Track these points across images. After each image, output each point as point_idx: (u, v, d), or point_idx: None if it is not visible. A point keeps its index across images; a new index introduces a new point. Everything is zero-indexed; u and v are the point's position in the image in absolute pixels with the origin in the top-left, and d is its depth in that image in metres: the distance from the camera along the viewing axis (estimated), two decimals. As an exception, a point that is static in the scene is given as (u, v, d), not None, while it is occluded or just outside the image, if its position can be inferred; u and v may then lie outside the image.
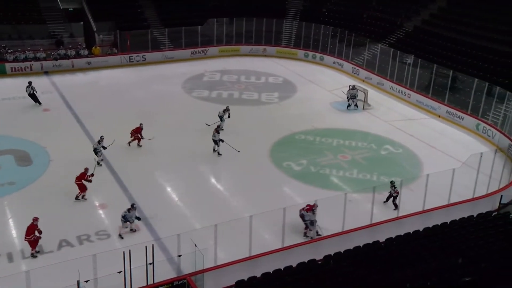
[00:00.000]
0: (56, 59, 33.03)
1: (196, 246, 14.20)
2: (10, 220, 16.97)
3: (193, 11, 39.59)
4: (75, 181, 18.12)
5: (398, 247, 14.99)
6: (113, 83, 31.64)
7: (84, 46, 35.13)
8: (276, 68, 36.05)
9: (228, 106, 25.30)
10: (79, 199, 18.21)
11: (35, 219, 15.31)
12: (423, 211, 17.48)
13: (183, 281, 13.75)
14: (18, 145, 22.01)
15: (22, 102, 27.46)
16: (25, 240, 15.17)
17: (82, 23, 37.13)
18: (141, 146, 22.52)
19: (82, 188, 18.24)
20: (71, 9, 37.41)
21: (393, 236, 15.50)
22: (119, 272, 13.54)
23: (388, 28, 36.44)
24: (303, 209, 16.53)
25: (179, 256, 14.38)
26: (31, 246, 15.18)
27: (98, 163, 20.46)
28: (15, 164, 20.51)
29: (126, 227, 16.46)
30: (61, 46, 34.43)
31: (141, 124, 22.63)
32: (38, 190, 18.89)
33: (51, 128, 24.37)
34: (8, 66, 31.86)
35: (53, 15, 36.17)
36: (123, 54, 35.64)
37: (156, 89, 30.66)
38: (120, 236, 16.37)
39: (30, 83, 27.05)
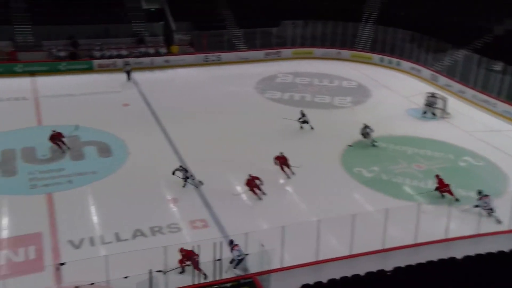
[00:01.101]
0: (137, 56, 34.56)
1: (263, 246, 14.37)
2: (93, 207, 17.96)
3: (268, 13, 39.92)
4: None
5: (478, 267, 14.00)
6: (188, 82, 32.63)
7: (163, 45, 36.50)
8: (350, 72, 35.57)
9: (302, 110, 25.40)
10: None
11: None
12: (509, 231, 16.45)
13: (249, 280, 13.91)
14: (101, 137, 23.24)
15: (105, 96, 29.07)
16: None
17: (162, 22, 38.57)
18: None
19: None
20: (153, 9, 38.97)
21: (473, 254, 14.52)
22: (188, 266, 14.01)
23: (473, 33, 34.49)
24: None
25: (246, 255, 14.59)
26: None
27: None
28: (97, 155, 21.70)
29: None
30: (142, 45, 35.99)
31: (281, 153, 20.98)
32: (117, 180, 19.85)
33: (130, 122, 25.51)
34: (95, 62, 33.77)
35: (136, 15, 37.91)
36: (199, 53, 36.63)
37: (229, 88, 31.24)
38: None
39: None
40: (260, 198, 18.61)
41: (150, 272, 12.93)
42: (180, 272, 14.30)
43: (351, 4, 40.91)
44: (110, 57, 34.29)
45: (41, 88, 29.91)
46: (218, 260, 14.19)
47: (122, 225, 16.67)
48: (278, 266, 14.46)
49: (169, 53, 36.21)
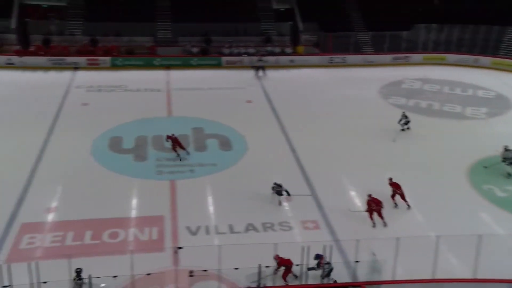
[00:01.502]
0: (263, 55, 35.49)
1: (375, 255, 13.94)
2: (210, 197, 18.83)
3: (400, 15, 38.46)
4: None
5: None
6: (311, 82, 32.66)
7: (289, 44, 37.02)
8: (488, 81, 32.86)
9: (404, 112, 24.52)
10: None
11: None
12: None
13: (357, 287, 13.62)
14: (223, 131, 24.24)
15: (231, 92, 30.24)
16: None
17: (290, 23, 39.11)
18: None
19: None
20: (283, 9, 39.67)
21: None
22: (297, 265, 14.07)
23: None
24: None
25: (357, 262, 14.27)
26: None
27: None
28: (218, 148, 22.68)
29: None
30: (269, 44, 36.87)
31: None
32: (234, 174, 20.55)
33: (251, 118, 26.22)
34: (224, 59, 35.37)
35: (266, 14, 38.91)
36: (324, 54, 36.53)
37: (352, 92, 30.69)
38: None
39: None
40: (373, 225, 17.12)
41: (259, 266, 13.24)
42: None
43: (500, 6, 37.54)
44: (238, 54, 35.64)
45: (173, 81, 32.03)
46: (327, 263, 14.08)
47: (236, 218, 17.23)
48: (390, 278, 13.92)
49: (295, 53, 36.63)
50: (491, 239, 14.43)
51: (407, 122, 24.41)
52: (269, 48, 36.24)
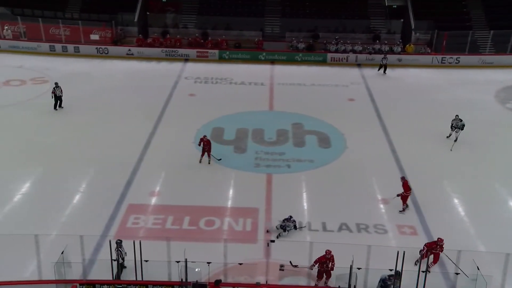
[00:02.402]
0: (370, 53, 34.61)
1: (478, 269, 13.07)
2: (305, 193, 18.86)
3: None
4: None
5: None
6: (419, 83, 31.23)
7: (399, 43, 35.70)
8: None
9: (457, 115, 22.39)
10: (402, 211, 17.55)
11: None
12: None
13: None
14: (323, 128, 24.09)
15: (333, 89, 29.95)
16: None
17: (402, 20, 37.68)
18: None
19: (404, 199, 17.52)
20: (395, 6, 38.33)
21: None
22: (390, 270, 13.61)
23: None
24: None
25: (457, 274, 13.49)
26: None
27: None
28: (316, 145, 22.58)
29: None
30: (377, 41, 35.86)
31: None
32: (331, 172, 20.35)
33: (352, 117, 25.74)
34: (329, 56, 35.09)
35: (377, 11, 37.86)
36: (436, 54, 34.72)
37: (463, 95, 28.85)
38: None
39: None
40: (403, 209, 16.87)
41: (351, 267, 13.02)
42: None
43: None
44: (344, 51, 35.09)
45: (277, 76, 32.39)
46: (424, 272, 13.45)
47: (329, 216, 17.09)
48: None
49: (404, 52, 35.23)
50: None
51: (459, 128, 22.17)
52: (376, 46, 35.21)
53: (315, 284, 14.02)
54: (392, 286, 13.22)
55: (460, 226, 16.91)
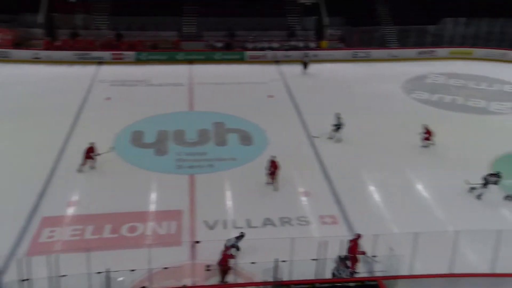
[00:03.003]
0: (286, 50, 35.42)
1: (392, 250, 13.83)
2: (229, 192, 18.91)
3: (426, 9, 37.76)
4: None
5: None
6: (334, 77, 32.52)
7: (313, 39, 36.82)
8: (515, 75, 32.20)
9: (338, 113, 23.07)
10: None
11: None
12: None
13: (374, 282, 13.54)
14: (244, 126, 24.31)
15: (253, 87, 30.32)
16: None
17: (315, 17, 38.87)
18: None
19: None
20: (309, 3, 39.41)
21: None
22: (313, 260, 14.05)
23: None
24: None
25: (374, 257, 14.19)
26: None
27: None
28: (238, 143, 22.77)
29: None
30: (293, 38, 36.75)
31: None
32: (254, 169, 20.44)
33: (273, 113, 26.20)
34: (247, 54, 35.46)
35: (292, 8, 38.74)
36: (348, 49, 36.21)
37: (375, 86, 30.40)
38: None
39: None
40: None
41: (276, 261, 13.28)
42: None
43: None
44: (261, 49, 35.64)
45: (196, 76, 32.27)
46: (343, 258, 14.03)
47: (253, 213, 17.30)
48: (407, 273, 13.81)
49: (318, 47, 36.42)
50: (510, 233, 14.10)
51: (338, 127, 22.88)
52: (292, 43, 36.10)
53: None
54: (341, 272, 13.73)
55: (377, 212, 17.80)
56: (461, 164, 20.78)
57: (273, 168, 18.94)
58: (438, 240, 14.39)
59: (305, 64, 32.80)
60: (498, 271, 13.76)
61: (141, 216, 17.04)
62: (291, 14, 38.58)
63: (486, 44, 35.88)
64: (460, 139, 23.23)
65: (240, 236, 14.85)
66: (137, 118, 24.78)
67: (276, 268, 13.44)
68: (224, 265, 13.86)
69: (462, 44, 36.56)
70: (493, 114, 26.58)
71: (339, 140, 22.82)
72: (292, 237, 13.94)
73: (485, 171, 19.99)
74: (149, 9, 36.99)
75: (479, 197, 18.29)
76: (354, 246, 14.45)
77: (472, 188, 18.39)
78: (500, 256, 13.71)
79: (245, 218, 17.02)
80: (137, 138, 22.70)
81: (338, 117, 22.98)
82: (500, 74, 32.46)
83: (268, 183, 19.01)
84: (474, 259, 14.76)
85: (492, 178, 18.14)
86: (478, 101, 28.22)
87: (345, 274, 13.80)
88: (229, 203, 18.22)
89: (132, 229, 16.40)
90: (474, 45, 36.15)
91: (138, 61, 34.44)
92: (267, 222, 16.91)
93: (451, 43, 36.70)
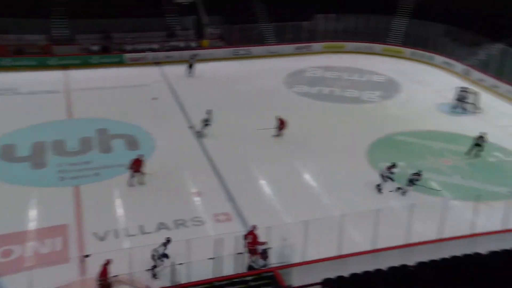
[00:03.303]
0: (167, 50, 34.92)
1: (285, 240, 14.32)
2: (118, 199, 18.26)
3: (300, 6, 39.57)
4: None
5: (503, 262, 13.84)
6: (217, 75, 32.76)
7: (194, 38, 36.74)
8: (380, 66, 35.00)
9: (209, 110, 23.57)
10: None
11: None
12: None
13: (270, 273, 13.90)
14: (129, 131, 23.58)
15: (135, 90, 29.47)
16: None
17: (194, 16, 38.79)
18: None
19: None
20: (186, 3, 39.19)
21: (499, 250, 14.35)
22: (210, 259, 14.07)
23: (509, 26, 33.49)
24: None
25: (269, 248, 14.57)
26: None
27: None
28: (125, 148, 22.01)
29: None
30: (173, 38, 36.34)
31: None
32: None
33: (158, 116, 25.76)
34: (126, 56, 34.35)
35: (170, 8, 38.22)
36: (229, 47, 36.71)
37: (258, 82, 31.22)
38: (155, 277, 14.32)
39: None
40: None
41: (173, 264, 13.08)
42: None
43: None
44: (141, 50, 34.77)
45: (73, 82, 30.58)
46: (240, 253, 14.25)
47: (146, 218, 16.91)
48: (300, 261, 14.40)
49: (200, 47, 36.43)
50: (386, 211, 15.37)
51: (207, 123, 23.27)
52: (173, 43, 35.68)
53: None
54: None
55: (269, 205, 18.31)
56: (342, 151, 22.14)
57: (135, 166, 18.76)
58: (327, 225, 15.17)
59: (190, 66, 32.49)
60: (378, 246, 14.88)
61: (17, 237, 15.69)
62: (169, 14, 38.11)
63: (355, 38, 38.54)
64: (339, 128, 24.80)
65: (167, 242, 14.36)
66: (6, 130, 22.88)
67: (173, 271, 13.25)
68: (104, 280, 13.22)
69: (334, 39, 38.86)
70: (366, 102, 28.67)
71: (204, 136, 23.16)
72: (187, 239, 13.86)
73: (364, 156, 21.60)
74: (12, 10, 33.88)
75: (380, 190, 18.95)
76: (254, 238, 14.74)
77: (399, 188, 18.89)
78: (380, 233, 14.81)
79: (138, 225, 16.56)
80: (7, 152, 20.94)
81: (208, 113, 23.28)
82: (369, 65, 35.10)
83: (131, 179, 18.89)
84: (358, 239, 15.79)
85: (415, 177, 18.78)
86: (352, 91, 30.24)
87: (258, 265, 14.01)
88: (119, 211, 17.56)
89: (6, 253, 15.03)
90: (345, 39, 38.63)
91: (2, 68, 31.58)
92: (161, 226, 16.60)
93: (324, 38, 38.83)
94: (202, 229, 16.63)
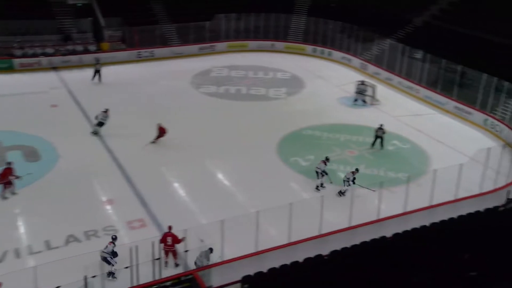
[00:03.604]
0: (64, 54, 33.17)
1: (202, 241, 14.26)
2: (19, 216, 17.06)
3: (201, 6, 39.54)
4: None
5: (405, 243, 14.91)
6: (121, 79, 31.73)
7: (92, 41, 35.24)
8: (284, 63, 35.96)
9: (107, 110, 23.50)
10: None
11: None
12: (431, 206, 17.40)
13: (190, 276, 13.76)
14: (26, 141, 22.14)
15: (30, 97, 27.67)
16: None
17: (90, 18, 37.20)
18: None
19: None
20: (80, 4, 37.45)
21: (401, 232, 15.44)
22: (126, 268, 13.65)
23: (397, 23, 36.17)
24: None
25: (186, 251, 14.44)
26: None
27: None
28: (23, 160, 20.61)
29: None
30: (69, 42, 34.58)
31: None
32: (46, 185, 18.97)
33: (59, 124, 24.48)
34: (16, 61, 32.04)
35: (61, 10, 36.26)
36: (131, 49, 35.73)
37: (164, 84, 30.72)
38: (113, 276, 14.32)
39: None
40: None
41: (85, 278, 12.50)
42: None
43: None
44: (34, 55, 32.66)
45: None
46: (157, 259, 13.97)
47: (53, 232, 15.99)
48: (218, 260, 14.42)
49: (99, 50, 35.01)
50: (299, 204, 15.86)
51: (102, 124, 23.27)
52: (70, 47, 33.93)
53: None
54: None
55: (183, 207, 18.11)
56: (253, 148, 22.48)
57: (3, 176, 17.79)
58: (243, 223, 15.32)
59: (96, 72, 30.70)
60: (294, 239, 15.34)
61: None
62: (61, 16, 36.10)
63: (256, 36, 39.26)
64: (249, 126, 25.12)
65: (114, 239, 14.25)
66: None
67: (85, 285, 12.66)
68: None
69: (236, 38, 39.28)
70: (273, 99, 29.32)
71: (97, 133, 22.93)
72: (100, 249, 13.36)
73: (274, 152, 22.11)
74: None
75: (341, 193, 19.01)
76: (173, 238, 14.58)
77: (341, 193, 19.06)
78: (295, 226, 15.29)
79: (43, 240, 15.61)
80: None
81: (103, 114, 23.06)
82: (273, 63, 35.94)
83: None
84: (274, 234, 16.12)
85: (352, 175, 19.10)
86: (258, 89, 30.78)
87: (205, 263, 13.98)
88: (20, 227, 16.44)
89: None
90: (247, 38, 39.20)
91: None
92: (71, 239, 15.82)
93: (227, 37, 39.11)
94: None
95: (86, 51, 34.25)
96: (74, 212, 17.31)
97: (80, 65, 33.22)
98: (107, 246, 14.17)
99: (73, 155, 21.17)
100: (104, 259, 13.91)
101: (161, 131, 22.40)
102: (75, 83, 30.21)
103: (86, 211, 17.45)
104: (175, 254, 14.82)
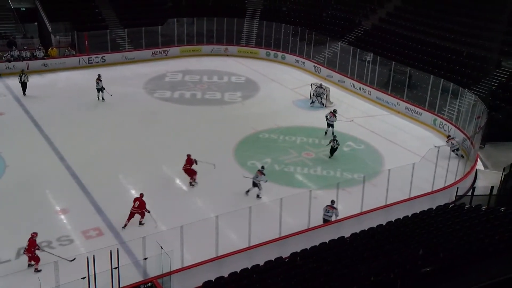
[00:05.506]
0: (9, 61, 31.95)
1: (162, 248, 14.06)
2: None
3: (152, 11, 39.11)
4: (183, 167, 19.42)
5: (362, 242, 15.28)
6: (72, 85, 30.88)
7: (39, 47, 34.13)
8: (238, 67, 36.07)
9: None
10: (192, 184, 19.60)
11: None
12: (386, 206, 17.87)
13: (149, 284, 13.57)
14: (-30, 151, 21.21)
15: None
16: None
17: (36, 23, 35.99)
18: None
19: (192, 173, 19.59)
20: (23, 9, 36.16)
21: (358, 231, 15.81)
22: (83, 278, 13.27)
23: (347, 26, 37.14)
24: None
25: (145, 259, 14.17)
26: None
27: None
28: (-32, 172, 19.74)
29: None
30: (14, 47, 33.34)
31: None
32: (-6, 197, 18.23)
33: (7, 132, 23.59)
34: (-44, 69, 30.67)
35: (4, 14, 34.89)
36: (82, 55, 34.85)
37: (117, 90, 30.02)
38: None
39: None
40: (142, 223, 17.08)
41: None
42: None
43: (234, 1, 41.61)
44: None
45: None
46: (116, 268, 13.64)
47: (2, 246, 15.37)
48: (179, 267, 14.26)
49: (48, 56, 33.93)
50: (259, 208, 15.95)
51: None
52: (15, 53, 32.69)
53: None
54: None
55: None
56: (210, 153, 22.26)
57: None
58: (202, 228, 15.18)
59: (23, 84, 28.78)
60: (254, 243, 15.39)
61: None
62: (4, 20, 34.69)
63: (210, 40, 39.18)
64: (205, 131, 25.00)
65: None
66: None
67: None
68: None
69: (189, 42, 39.06)
70: (228, 103, 29.33)
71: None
72: (54, 261, 12.93)
73: (231, 156, 22.13)
74: None
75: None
76: (141, 204, 16.61)
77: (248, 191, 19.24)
78: (255, 230, 15.36)
79: (-9, 255, 14.96)
80: None
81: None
82: (227, 67, 35.94)
83: None
84: (234, 238, 16.13)
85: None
86: (214, 93, 30.72)
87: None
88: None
89: None
90: (200, 42, 39.07)
91: None
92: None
93: (180, 42, 38.82)
94: (71, 248, 15.63)
95: (33, 57, 33.08)
96: (26, 223, 16.66)
97: (27, 72, 31.92)
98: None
99: (23, 164, 20.45)
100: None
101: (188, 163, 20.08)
102: (21, 90, 29.08)
103: (39, 221, 16.84)
104: (142, 215, 16.84)
